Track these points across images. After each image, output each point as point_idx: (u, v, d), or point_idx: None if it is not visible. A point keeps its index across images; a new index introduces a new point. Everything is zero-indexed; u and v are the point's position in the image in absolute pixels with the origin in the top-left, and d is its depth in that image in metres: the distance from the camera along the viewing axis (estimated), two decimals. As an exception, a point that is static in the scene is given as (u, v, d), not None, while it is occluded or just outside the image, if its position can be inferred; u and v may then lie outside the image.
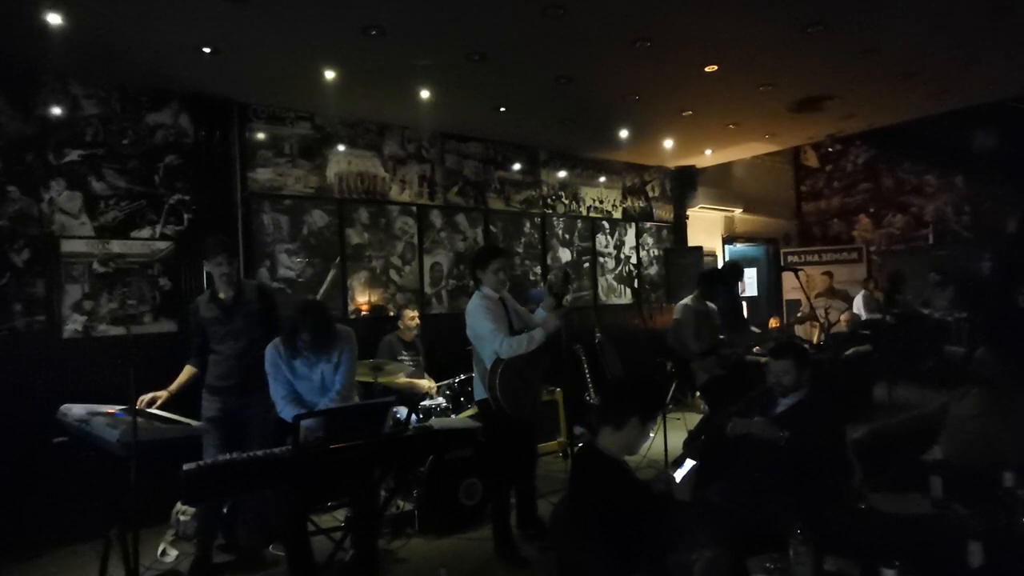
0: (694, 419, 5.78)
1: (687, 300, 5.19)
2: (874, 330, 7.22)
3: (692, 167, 8.13)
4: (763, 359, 5.99)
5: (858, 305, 7.82)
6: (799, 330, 8.34)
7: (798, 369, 3.02)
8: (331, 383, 3.15)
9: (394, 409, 3.93)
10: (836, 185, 10.13)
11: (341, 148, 5.46)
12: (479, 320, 3.48)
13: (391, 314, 5.46)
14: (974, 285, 8.06)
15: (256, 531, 3.69)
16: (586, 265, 7.29)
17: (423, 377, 4.95)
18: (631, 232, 7.80)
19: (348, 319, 5.31)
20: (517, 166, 6.67)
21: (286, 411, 3.03)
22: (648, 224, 8.01)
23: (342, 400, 3.14)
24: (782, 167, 10.22)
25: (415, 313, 5.11)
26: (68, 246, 4.24)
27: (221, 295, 3.51)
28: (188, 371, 3.52)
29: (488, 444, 3.54)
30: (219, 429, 3.41)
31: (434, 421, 3.32)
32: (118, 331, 4.32)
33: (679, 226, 8.30)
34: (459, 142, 6.20)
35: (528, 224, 6.76)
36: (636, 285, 7.65)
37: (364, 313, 5.45)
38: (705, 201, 8.37)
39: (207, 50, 3.94)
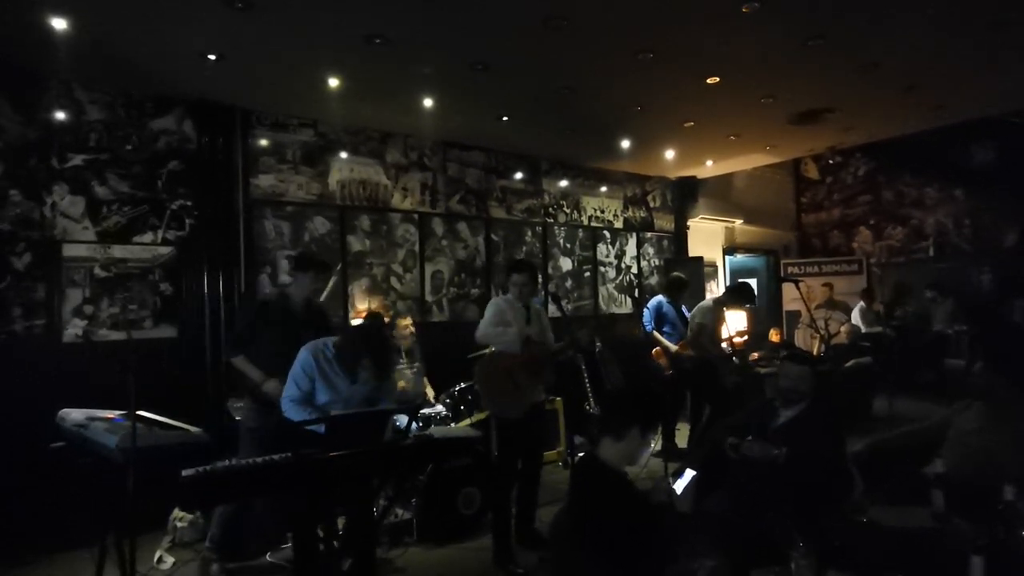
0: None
1: (710, 302, 5.26)
2: (874, 342, 7.22)
3: (693, 178, 8.16)
4: (762, 370, 6.00)
5: (857, 317, 7.82)
6: (798, 340, 8.34)
7: (814, 376, 3.01)
8: (359, 403, 3.14)
9: (394, 417, 3.92)
10: (836, 197, 10.15)
11: (343, 155, 5.48)
12: (484, 319, 3.75)
13: (386, 321, 5.44)
14: (973, 298, 8.08)
15: (255, 539, 3.67)
16: (587, 274, 7.29)
17: (423, 382, 4.93)
18: (632, 242, 7.81)
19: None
20: (519, 175, 6.68)
21: (292, 411, 3.02)
22: (649, 234, 8.02)
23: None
24: (782, 178, 10.25)
25: (407, 322, 5.07)
26: (70, 250, 4.25)
27: (295, 308, 3.52)
28: (247, 361, 3.45)
29: (493, 448, 3.57)
30: (262, 439, 3.29)
31: (434, 430, 3.31)
32: (118, 336, 4.32)
33: (680, 236, 8.31)
34: (461, 151, 6.22)
35: (529, 233, 6.77)
36: (637, 295, 7.65)
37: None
38: (706, 212, 8.39)
39: (211, 57, 3.96)
